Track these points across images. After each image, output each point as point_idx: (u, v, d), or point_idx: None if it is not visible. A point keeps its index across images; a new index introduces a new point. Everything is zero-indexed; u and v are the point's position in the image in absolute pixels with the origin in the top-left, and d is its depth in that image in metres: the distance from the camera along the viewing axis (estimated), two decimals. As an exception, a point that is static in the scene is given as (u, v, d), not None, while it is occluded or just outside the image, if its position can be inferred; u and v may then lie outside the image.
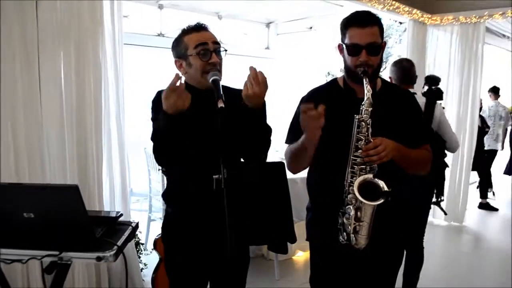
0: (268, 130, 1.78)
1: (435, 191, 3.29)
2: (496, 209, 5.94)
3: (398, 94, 1.94)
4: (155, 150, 1.71)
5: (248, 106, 1.64)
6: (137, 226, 1.88)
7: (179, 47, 1.76)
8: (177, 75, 1.56)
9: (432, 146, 1.98)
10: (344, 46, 1.77)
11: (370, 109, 1.66)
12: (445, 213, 3.87)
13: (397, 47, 6.11)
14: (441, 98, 3.26)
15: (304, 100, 1.93)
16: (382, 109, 1.77)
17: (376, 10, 4.86)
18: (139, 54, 5.71)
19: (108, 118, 2.92)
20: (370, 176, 1.66)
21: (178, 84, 1.53)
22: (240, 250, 1.85)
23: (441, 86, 3.40)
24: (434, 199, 3.31)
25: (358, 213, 1.66)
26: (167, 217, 1.92)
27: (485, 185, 6.01)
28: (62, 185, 1.95)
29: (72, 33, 2.65)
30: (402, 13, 5.04)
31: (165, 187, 2.09)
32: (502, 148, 6.82)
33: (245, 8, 6.21)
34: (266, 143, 1.80)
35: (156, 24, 5.53)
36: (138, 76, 5.87)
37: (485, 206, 5.99)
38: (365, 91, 1.67)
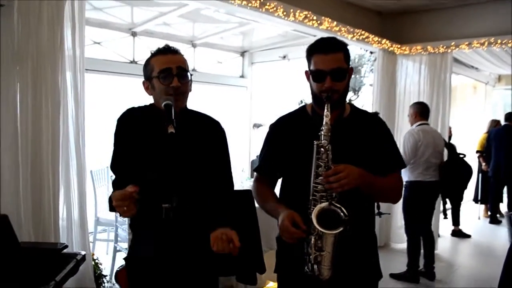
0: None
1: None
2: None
3: (368, 120, 1.87)
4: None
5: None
6: (83, 258, 1.78)
7: (146, 69, 1.79)
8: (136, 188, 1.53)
9: None
10: (309, 72, 1.75)
11: (329, 134, 1.62)
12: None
13: (370, 76, 6.20)
14: None
15: (273, 127, 1.92)
16: (350, 135, 1.76)
17: (346, 40, 4.92)
18: (112, 81, 5.65)
19: (67, 145, 2.83)
20: (326, 204, 1.60)
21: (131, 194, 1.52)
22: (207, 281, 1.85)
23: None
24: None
25: (319, 242, 1.60)
26: (131, 246, 1.89)
27: (457, 213, 6.02)
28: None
29: (30, 57, 2.60)
30: (372, 43, 5.13)
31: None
32: None
33: (220, 37, 6.26)
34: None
35: (129, 52, 5.50)
36: (110, 102, 5.79)
37: (457, 233, 5.99)
38: (324, 116, 1.64)
